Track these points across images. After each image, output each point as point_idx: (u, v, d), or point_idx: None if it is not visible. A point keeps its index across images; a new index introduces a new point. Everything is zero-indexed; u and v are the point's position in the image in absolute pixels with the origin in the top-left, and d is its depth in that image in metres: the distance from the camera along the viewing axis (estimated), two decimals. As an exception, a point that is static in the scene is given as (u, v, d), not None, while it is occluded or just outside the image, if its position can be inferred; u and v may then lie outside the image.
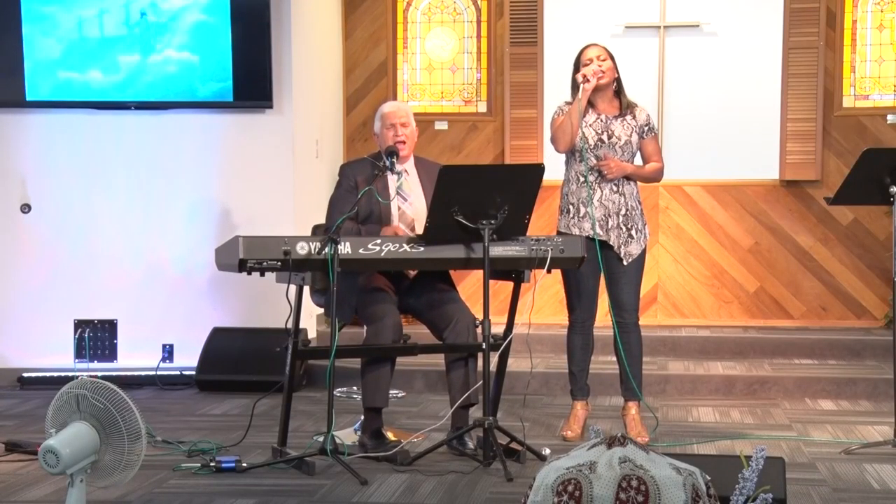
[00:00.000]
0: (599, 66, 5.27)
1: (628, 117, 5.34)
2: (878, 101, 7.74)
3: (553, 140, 5.37)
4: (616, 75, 5.35)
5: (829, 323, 7.68)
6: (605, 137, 5.29)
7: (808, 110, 7.66)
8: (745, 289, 7.80)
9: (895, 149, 6.23)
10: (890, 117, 7.68)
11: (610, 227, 5.27)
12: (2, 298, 7.01)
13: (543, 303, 7.70)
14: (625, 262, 5.29)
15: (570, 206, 5.33)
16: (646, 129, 5.37)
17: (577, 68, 5.33)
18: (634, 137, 5.34)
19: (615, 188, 5.29)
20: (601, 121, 5.32)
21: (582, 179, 5.29)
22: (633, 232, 5.30)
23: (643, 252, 5.36)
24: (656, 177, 5.49)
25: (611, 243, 5.27)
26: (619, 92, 5.38)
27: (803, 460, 4.91)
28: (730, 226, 7.82)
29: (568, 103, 5.35)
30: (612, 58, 5.34)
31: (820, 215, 7.71)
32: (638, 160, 5.45)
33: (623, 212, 5.28)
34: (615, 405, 5.89)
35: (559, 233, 5.34)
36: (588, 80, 5.23)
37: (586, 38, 7.74)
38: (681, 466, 2.64)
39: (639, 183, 5.41)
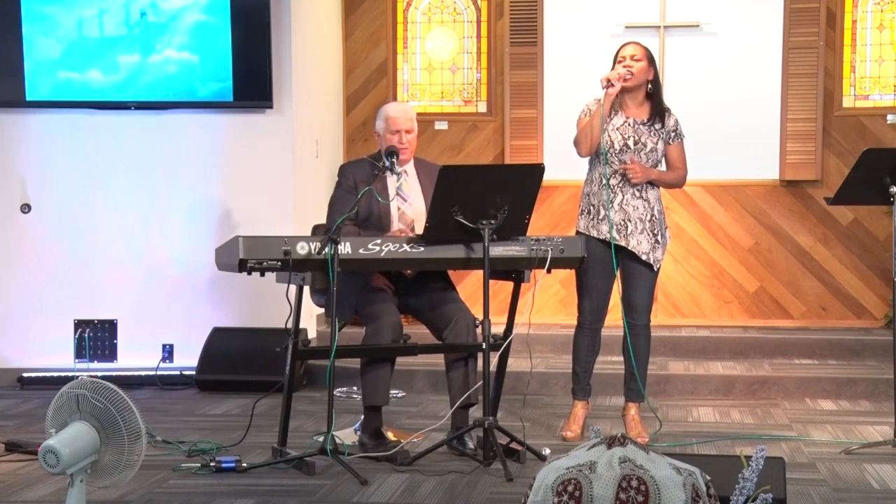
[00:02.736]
0: (628, 66, 5.16)
1: (657, 123, 5.25)
2: (878, 101, 7.74)
3: (575, 143, 5.27)
4: (649, 77, 5.22)
5: (829, 323, 7.68)
6: (630, 143, 5.20)
7: (808, 110, 7.66)
8: (745, 289, 7.80)
9: (895, 149, 6.24)
10: (890, 117, 7.68)
11: (629, 231, 5.21)
12: (2, 298, 7.01)
13: (543, 303, 7.70)
14: (654, 269, 5.25)
15: (591, 208, 5.27)
16: (672, 134, 5.27)
17: (614, 65, 5.23)
18: (661, 144, 5.25)
19: (637, 193, 5.21)
20: (629, 125, 5.21)
21: (604, 182, 5.24)
22: (658, 238, 5.26)
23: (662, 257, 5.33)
24: (679, 184, 5.42)
25: (631, 249, 5.20)
26: (652, 95, 5.25)
27: (803, 460, 4.91)
28: (730, 226, 7.82)
29: (597, 100, 5.23)
30: (648, 59, 5.20)
31: (820, 215, 7.71)
32: (662, 164, 5.38)
33: (649, 217, 5.21)
34: (615, 405, 5.89)
35: (578, 233, 5.30)
36: (613, 85, 5.12)
37: (586, 38, 7.82)
38: (681, 466, 2.64)
39: (661, 188, 5.36)
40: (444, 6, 8.06)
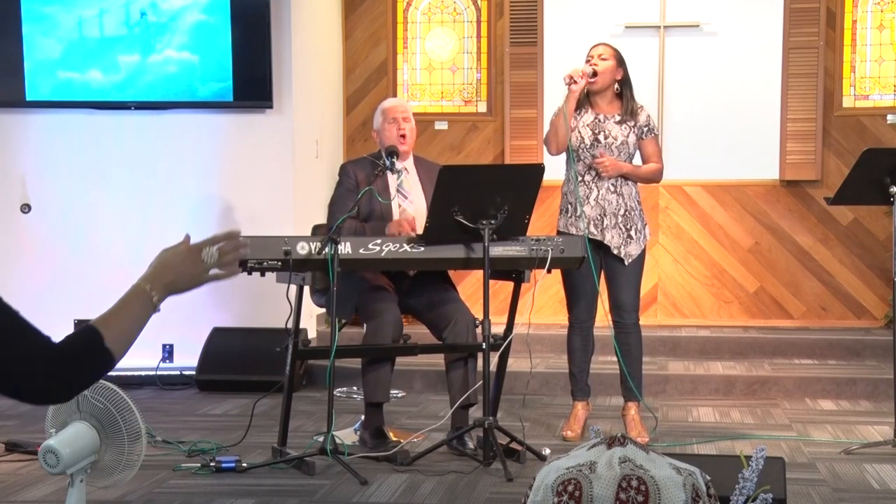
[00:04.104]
0: (594, 65, 5.24)
1: (628, 119, 5.30)
2: (878, 101, 7.74)
3: (544, 142, 5.38)
4: (617, 76, 5.29)
5: (829, 323, 7.68)
6: (601, 137, 5.26)
7: (808, 110, 7.66)
8: (745, 289, 7.80)
9: (895, 149, 6.23)
10: (890, 117, 7.68)
11: (605, 226, 5.26)
12: (2, 298, 7.00)
13: (543, 303, 7.70)
14: (625, 263, 5.28)
15: (569, 206, 5.33)
16: (645, 129, 5.33)
17: None
18: (632, 138, 5.30)
19: (612, 188, 5.27)
20: (599, 121, 5.29)
21: (579, 178, 5.28)
22: (632, 232, 5.28)
23: (643, 252, 5.34)
24: (655, 178, 5.46)
25: (606, 243, 5.25)
26: (622, 93, 5.32)
27: (803, 460, 4.91)
28: (730, 226, 7.82)
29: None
30: (616, 58, 5.27)
31: (820, 215, 7.71)
32: (638, 161, 5.43)
33: (622, 212, 5.27)
34: (615, 405, 5.89)
35: (559, 232, 5.34)
36: (576, 82, 5.20)
37: (586, 38, 7.77)
38: (681, 466, 2.63)
39: (638, 184, 5.40)
40: (444, 6, 8.06)
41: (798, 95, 7.66)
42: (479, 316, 4.82)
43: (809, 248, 7.75)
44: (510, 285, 5.14)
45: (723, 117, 7.80)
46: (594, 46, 5.35)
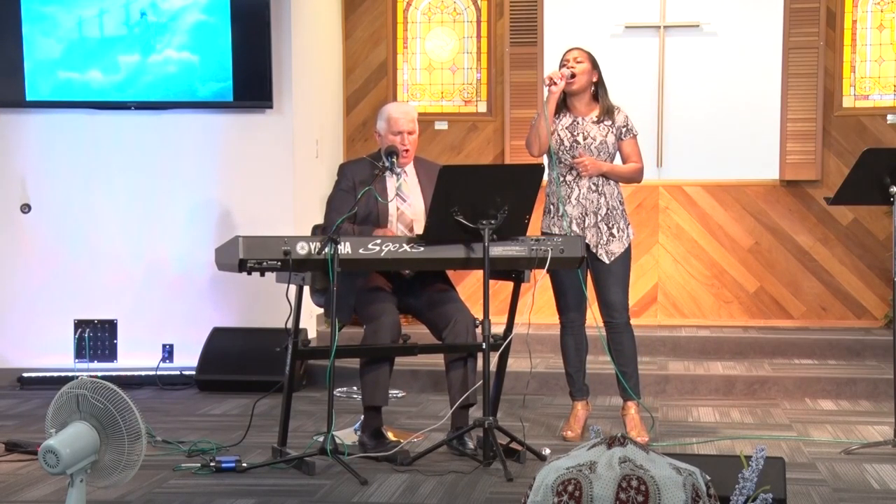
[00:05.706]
0: (571, 68, 5.30)
1: (606, 120, 5.35)
2: (878, 101, 7.74)
3: (526, 145, 5.43)
4: (593, 78, 5.37)
5: (829, 323, 7.68)
6: (580, 138, 5.32)
7: (808, 110, 7.66)
8: (745, 289, 7.80)
9: (895, 149, 6.23)
10: (890, 117, 7.68)
11: (587, 225, 5.28)
12: (2, 298, 7.01)
13: (543, 303, 7.68)
14: (606, 261, 5.29)
15: (552, 206, 5.38)
16: (623, 130, 5.38)
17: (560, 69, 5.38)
18: (611, 138, 5.35)
19: (593, 187, 5.31)
20: (577, 123, 5.35)
21: (560, 179, 5.33)
22: (614, 231, 5.31)
23: (627, 251, 5.35)
24: (635, 177, 5.49)
25: (586, 241, 5.27)
26: (598, 95, 5.39)
27: (803, 460, 4.91)
28: (730, 226, 7.82)
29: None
30: (591, 61, 5.35)
31: (820, 215, 7.71)
32: (618, 162, 5.45)
33: (603, 211, 5.30)
34: (615, 405, 5.89)
35: (542, 233, 5.36)
36: (555, 84, 5.27)
37: (586, 38, 7.80)
38: (681, 466, 2.64)
39: (621, 184, 5.42)
40: (444, 6, 8.06)
41: (798, 95, 7.66)
42: (479, 316, 4.82)
43: (809, 248, 7.75)
44: (510, 285, 5.14)
45: (723, 117, 7.80)
46: (569, 51, 5.41)
